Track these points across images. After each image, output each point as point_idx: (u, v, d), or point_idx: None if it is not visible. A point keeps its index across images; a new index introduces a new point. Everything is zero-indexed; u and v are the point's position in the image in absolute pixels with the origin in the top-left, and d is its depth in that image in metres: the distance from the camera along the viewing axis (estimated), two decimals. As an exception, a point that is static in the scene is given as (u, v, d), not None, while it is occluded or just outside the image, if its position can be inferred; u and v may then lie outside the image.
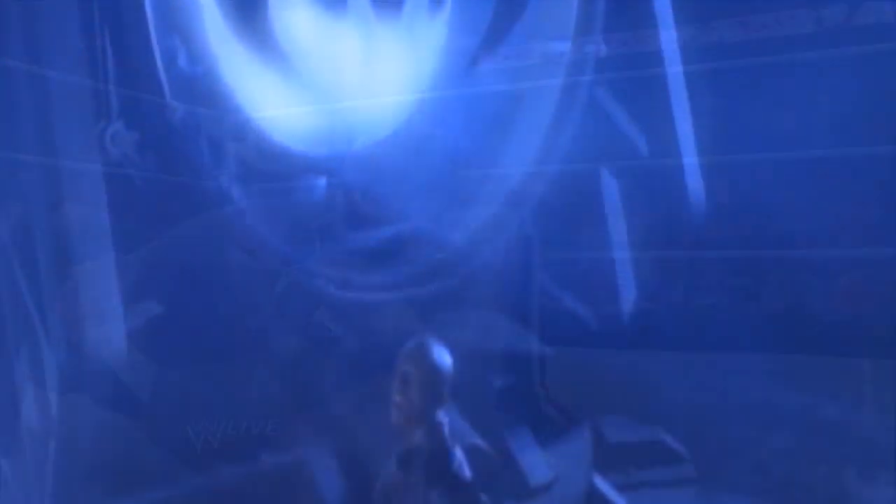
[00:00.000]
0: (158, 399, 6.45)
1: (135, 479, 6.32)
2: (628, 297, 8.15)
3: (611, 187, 7.87)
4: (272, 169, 7.26)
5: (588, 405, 7.81)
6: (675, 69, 7.65)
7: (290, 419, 6.79)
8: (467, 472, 5.26)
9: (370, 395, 7.02)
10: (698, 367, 8.02)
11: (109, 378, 6.01)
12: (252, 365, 6.87)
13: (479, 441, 5.47)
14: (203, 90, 6.64)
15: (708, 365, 8.02)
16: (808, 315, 8.42)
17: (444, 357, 5.36)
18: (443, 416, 5.31)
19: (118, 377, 6.04)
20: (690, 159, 7.56)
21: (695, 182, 7.58)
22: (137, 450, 6.34)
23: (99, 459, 6.17)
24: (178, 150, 6.46)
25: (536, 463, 7.09)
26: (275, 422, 6.74)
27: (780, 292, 8.39)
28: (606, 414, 7.94)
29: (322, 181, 7.67)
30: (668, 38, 7.53)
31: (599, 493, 7.55)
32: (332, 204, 7.63)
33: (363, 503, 5.60)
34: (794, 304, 8.34)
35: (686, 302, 8.01)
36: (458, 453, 5.32)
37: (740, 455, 7.97)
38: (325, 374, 7.02)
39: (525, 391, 7.62)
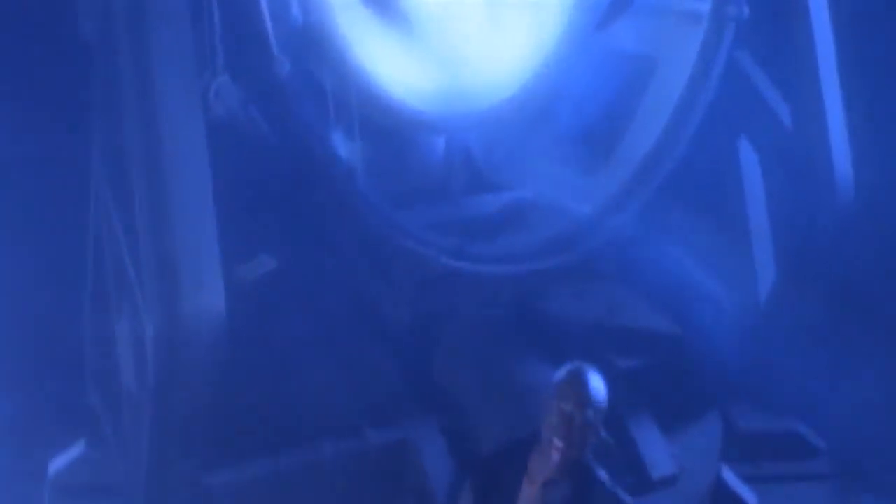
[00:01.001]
0: (259, 366, 6.14)
1: (232, 448, 6.04)
2: (766, 280, 7.65)
3: (750, 159, 7.36)
4: (386, 127, 6.89)
5: (718, 389, 7.34)
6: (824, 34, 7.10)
7: (399, 393, 6.44)
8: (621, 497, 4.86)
9: (485, 374, 6.64)
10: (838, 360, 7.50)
11: (208, 342, 5.71)
12: (360, 334, 6.53)
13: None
14: (313, 43, 6.27)
15: (851, 357, 7.50)
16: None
17: (602, 387, 4.88)
18: None
19: (217, 341, 5.73)
20: (838, 131, 7.01)
21: (842, 157, 7.02)
22: (237, 419, 6.06)
23: (196, 425, 5.90)
24: (285, 106, 6.12)
25: (660, 454, 6.65)
26: (384, 396, 6.40)
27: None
28: (737, 402, 7.46)
29: (440, 141, 7.27)
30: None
31: (727, 487, 7.08)
32: (450, 166, 7.24)
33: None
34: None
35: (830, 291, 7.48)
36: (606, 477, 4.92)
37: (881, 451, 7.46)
38: (438, 349, 6.66)
39: (650, 375, 7.18)
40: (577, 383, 4.66)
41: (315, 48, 6.29)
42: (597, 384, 4.69)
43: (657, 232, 7.11)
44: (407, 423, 6.30)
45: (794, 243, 7.13)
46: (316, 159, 6.23)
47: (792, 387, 7.25)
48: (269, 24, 5.89)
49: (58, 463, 6.67)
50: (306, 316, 6.51)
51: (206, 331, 5.57)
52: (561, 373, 4.72)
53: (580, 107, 7.10)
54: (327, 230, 6.55)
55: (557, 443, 4.62)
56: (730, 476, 7.00)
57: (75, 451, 6.73)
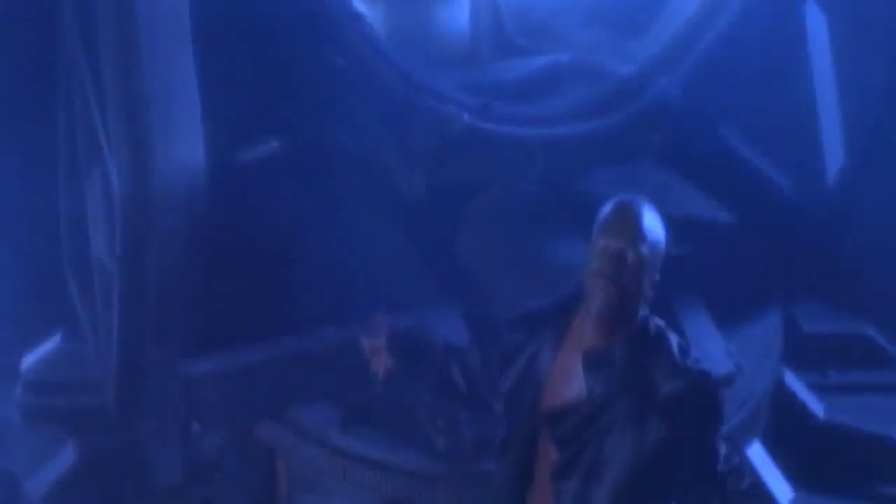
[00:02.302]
0: (252, 247, 5.12)
1: (218, 334, 5.04)
2: (834, 162, 6.57)
3: (817, 23, 6.26)
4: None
5: (780, 286, 6.28)
6: None
7: (415, 276, 5.41)
8: (695, 363, 3.61)
9: (514, 257, 5.61)
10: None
11: (183, 198, 4.65)
12: (371, 209, 5.49)
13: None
14: None
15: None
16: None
17: (660, 223, 3.57)
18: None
19: (194, 197, 4.68)
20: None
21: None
22: (225, 301, 5.05)
23: (172, 303, 4.88)
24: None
25: (715, 350, 5.59)
26: (397, 278, 5.37)
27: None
28: (801, 298, 6.40)
29: (465, 5, 6.19)
30: None
31: (790, 393, 6.03)
32: (477, 30, 6.17)
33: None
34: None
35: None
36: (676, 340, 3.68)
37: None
38: (460, 227, 5.61)
39: (703, 265, 6.11)
40: (630, 214, 3.57)
41: None
42: (654, 218, 3.60)
43: (709, 109, 6.04)
44: (423, 309, 5.27)
45: (868, 117, 6.03)
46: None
47: (863, 284, 6.19)
48: None
49: (31, 358, 5.72)
50: (311, 190, 5.50)
51: (180, 185, 4.55)
52: (609, 205, 3.64)
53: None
54: (336, 89, 5.51)
55: (606, 286, 3.51)
56: (793, 381, 5.96)
57: (50, 345, 5.79)
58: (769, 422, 5.71)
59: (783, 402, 5.85)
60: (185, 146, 4.58)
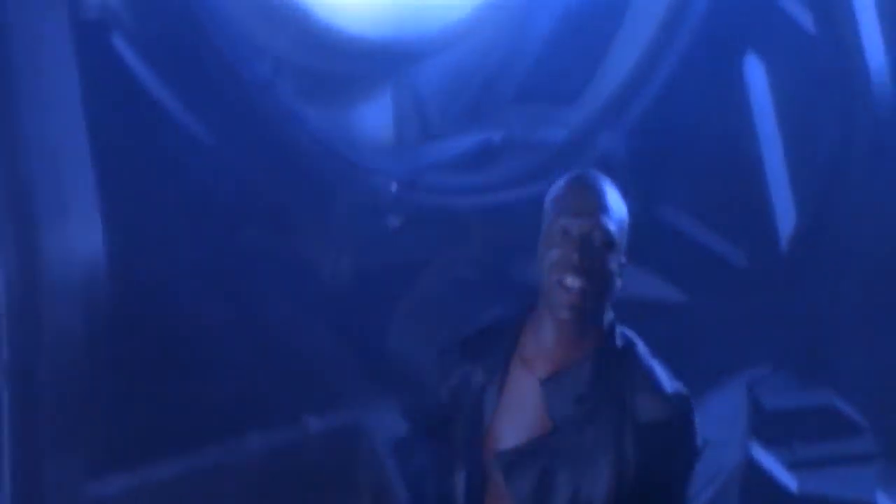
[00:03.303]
0: (155, 337, 4.43)
1: (127, 447, 4.31)
2: (786, 228, 6.06)
3: (757, 75, 5.79)
4: (320, 68, 5.26)
5: (738, 358, 5.72)
6: None
7: (345, 371, 4.75)
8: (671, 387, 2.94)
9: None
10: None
11: (78, 289, 3.96)
12: (292, 303, 4.83)
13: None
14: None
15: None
16: None
17: (619, 196, 2.89)
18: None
19: (93, 289, 3.98)
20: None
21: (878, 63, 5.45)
22: (132, 410, 4.35)
23: (72, 414, 4.14)
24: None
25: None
26: (326, 375, 4.71)
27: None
28: (761, 370, 5.84)
29: (386, 93, 5.63)
30: None
31: (760, 469, 5.43)
32: (400, 116, 5.60)
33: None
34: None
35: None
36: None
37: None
38: (391, 314, 4.96)
39: (657, 344, 5.51)
40: (591, 188, 2.84)
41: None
42: (614, 191, 2.88)
43: (649, 176, 5.51)
44: (356, 406, 4.61)
45: (820, 172, 5.54)
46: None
47: (825, 353, 5.66)
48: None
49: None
50: (225, 289, 4.83)
51: (76, 274, 3.87)
52: (562, 181, 2.90)
53: (552, 34, 5.52)
54: (249, 178, 4.86)
55: (570, 280, 2.76)
56: (762, 456, 5.36)
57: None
58: (742, 499, 5.15)
59: (753, 477, 5.28)
60: (80, 229, 3.91)
